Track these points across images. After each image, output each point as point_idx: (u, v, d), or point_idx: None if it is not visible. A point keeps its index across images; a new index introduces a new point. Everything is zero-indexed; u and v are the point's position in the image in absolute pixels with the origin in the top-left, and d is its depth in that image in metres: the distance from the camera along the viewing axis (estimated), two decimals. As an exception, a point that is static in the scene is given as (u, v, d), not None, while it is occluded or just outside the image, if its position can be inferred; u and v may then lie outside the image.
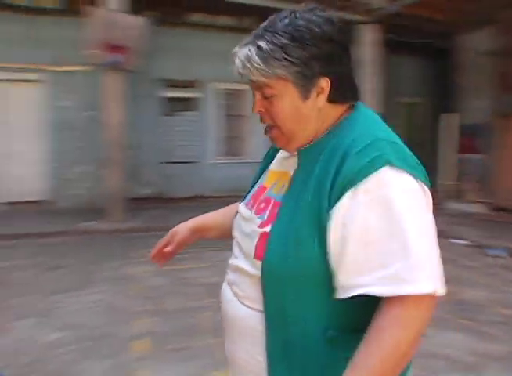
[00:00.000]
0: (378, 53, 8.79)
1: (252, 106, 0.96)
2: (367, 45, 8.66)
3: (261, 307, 0.92)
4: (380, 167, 0.79)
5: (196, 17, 9.24)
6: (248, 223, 0.99)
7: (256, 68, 0.87)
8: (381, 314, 0.78)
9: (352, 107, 0.96)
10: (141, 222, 7.23)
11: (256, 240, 0.93)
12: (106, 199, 7.23)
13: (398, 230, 0.77)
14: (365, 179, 0.79)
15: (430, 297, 0.77)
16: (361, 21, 8.50)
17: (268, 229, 0.91)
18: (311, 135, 0.94)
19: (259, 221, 0.95)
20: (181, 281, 4.46)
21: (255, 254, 0.92)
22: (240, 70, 0.90)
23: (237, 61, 0.90)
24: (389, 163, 0.80)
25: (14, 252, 5.47)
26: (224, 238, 1.29)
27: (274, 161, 1.08)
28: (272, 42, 0.86)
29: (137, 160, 8.95)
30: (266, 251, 0.89)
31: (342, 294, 0.82)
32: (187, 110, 9.64)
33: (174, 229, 1.25)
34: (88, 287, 4.24)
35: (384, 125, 0.93)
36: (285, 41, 0.86)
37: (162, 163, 9.24)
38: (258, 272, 0.91)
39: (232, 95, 9.71)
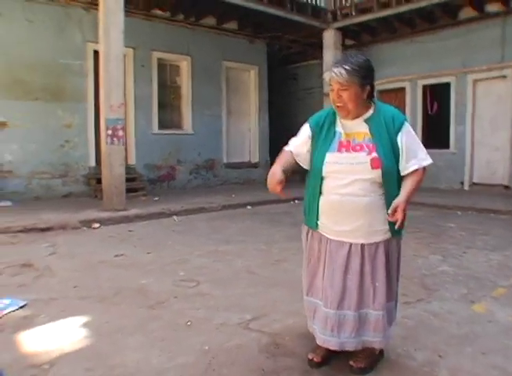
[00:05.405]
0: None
1: (333, 96, 2.07)
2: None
3: (377, 195, 2.09)
4: (405, 121, 2.13)
5: None
6: (356, 157, 2.07)
7: (344, 78, 2.00)
8: (412, 175, 2.10)
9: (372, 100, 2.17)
10: None
11: (369, 161, 2.05)
12: None
13: (417, 142, 2.15)
14: (404, 126, 2.11)
15: (428, 167, 2.12)
16: None
17: (374, 155, 2.05)
18: (358, 112, 2.10)
19: (365, 153, 2.06)
20: None
21: (372, 167, 2.04)
22: (336, 78, 2.02)
23: (333, 74, 2.02)
24: (406, 120, 2.15)
25: (459, 218, 6.73)
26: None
27: (340, 129, 2.15)
28: (351, 68, 2.01)
29: None
30: (382, 163, 2.03)
31: (405, 172, 2.10)
32: None
33: (272, 171, 2.10)
34: (504, 249, 5.04)
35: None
36: (356, 68, 2.02)
37: None
38: (374, 176, 2.04)
39: None
